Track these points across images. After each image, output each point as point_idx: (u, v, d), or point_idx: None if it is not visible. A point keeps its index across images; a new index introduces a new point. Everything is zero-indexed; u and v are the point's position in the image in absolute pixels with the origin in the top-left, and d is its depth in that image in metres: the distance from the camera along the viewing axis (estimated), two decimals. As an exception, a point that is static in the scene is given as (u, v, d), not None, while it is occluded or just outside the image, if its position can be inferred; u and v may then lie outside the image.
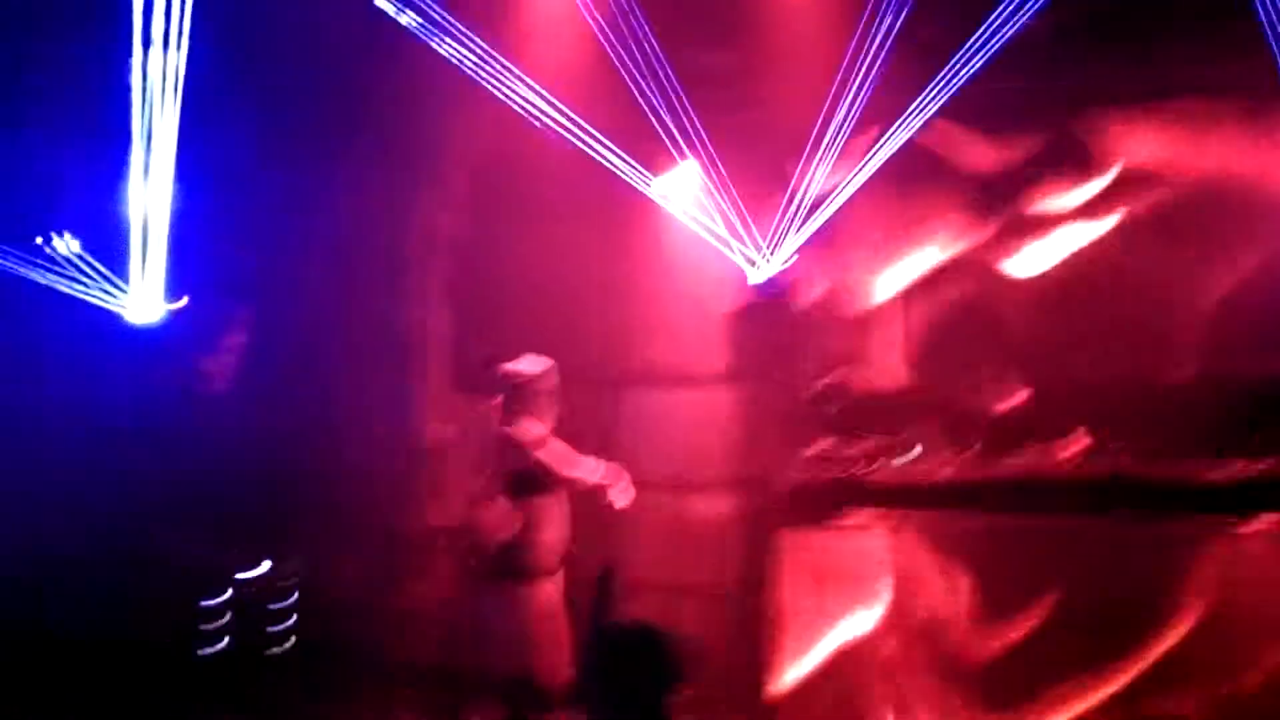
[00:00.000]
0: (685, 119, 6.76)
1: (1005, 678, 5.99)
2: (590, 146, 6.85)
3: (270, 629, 6.56)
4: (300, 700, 6.23)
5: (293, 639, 6.37)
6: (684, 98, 6.68)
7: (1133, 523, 5.99)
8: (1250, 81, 6.05)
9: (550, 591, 5.76)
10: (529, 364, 5.94)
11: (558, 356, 6.17)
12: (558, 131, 6.79)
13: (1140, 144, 6.53)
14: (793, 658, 6.36)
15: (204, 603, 6.21)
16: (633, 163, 6.90)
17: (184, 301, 6.48)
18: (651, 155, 6.86)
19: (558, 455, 5.75)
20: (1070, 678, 5.88)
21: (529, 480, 5.70)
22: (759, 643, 6.46)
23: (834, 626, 6.33)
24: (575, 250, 7.10)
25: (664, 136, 6.81)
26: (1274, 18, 5.94)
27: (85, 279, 6.40)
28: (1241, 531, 5.80)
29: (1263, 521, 5.76)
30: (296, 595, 6.45)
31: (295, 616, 6.44)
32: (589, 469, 5.83)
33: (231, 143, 6.42)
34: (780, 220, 6.90)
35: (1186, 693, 5.68)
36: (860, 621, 6.29)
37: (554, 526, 5.78)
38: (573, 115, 6.76)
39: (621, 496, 5.88)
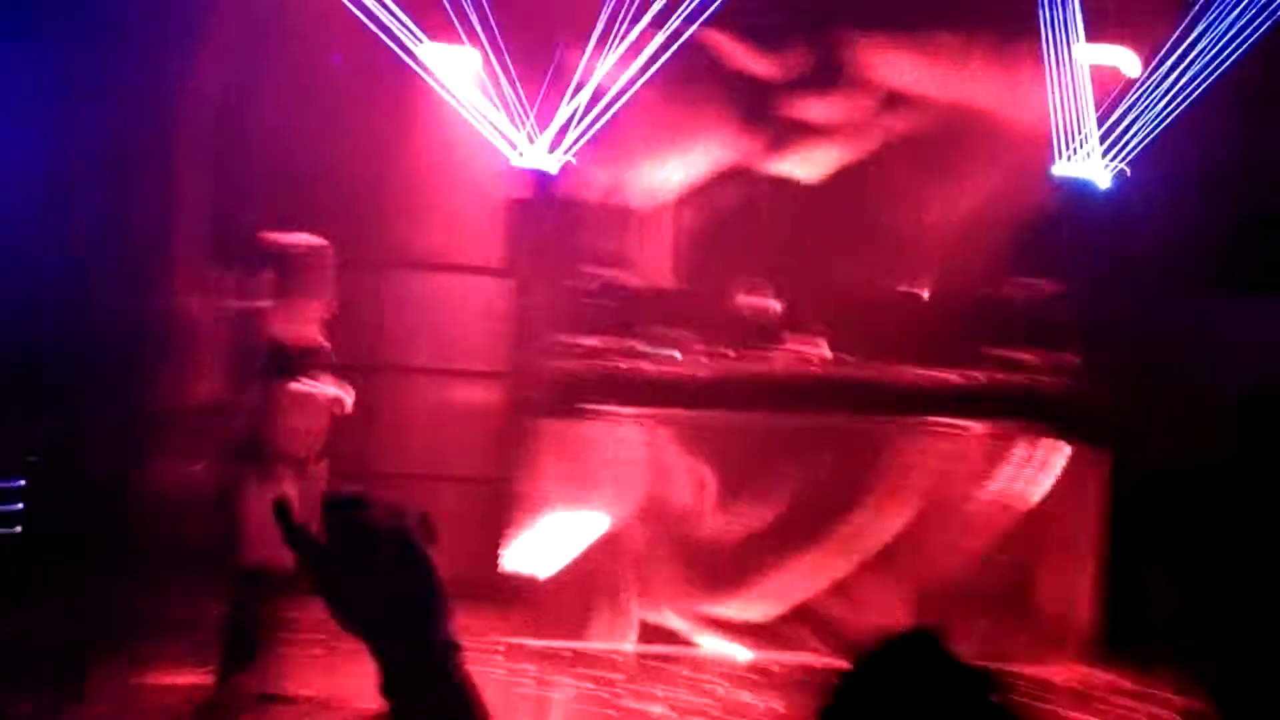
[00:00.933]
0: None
1: (742, 564, 6.39)
2: (370, 18, 6.69)
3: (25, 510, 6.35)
4: (55, 578, 6.06)
5: (18, 524, 6.16)
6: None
7: (858, 421, 6.47)
8: (1001, 18, 6.48)
9: (305, 480, 5.63)
10: (303, 238, 5.73)
11: (325, 234, 6.07)
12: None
13: (899, 69, 6.88)
14: (546, 547, 6.58)
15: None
16: (413, 39, 6.78)
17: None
18: (434, 32, 6.75)
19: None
20: (798, 563, 6.33)
21: (288, 364, 5.55)
22: (507, 528, 6.65)
23: (587, 516, 6.57)
24: (352, 130, 6.95)
25: (451, 13, 6.71)
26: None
27: None
28: (954, 434, 6.35)
29: (973, 427, 6.32)
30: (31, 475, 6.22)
31: (28, 496, 6.22)
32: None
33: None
34: (559, 113, 6.95)
35: (898, 575, 6.22)
36: (612, 509, 6.55)
37: (310, 414, 5.62)
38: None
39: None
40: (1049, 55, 6.69)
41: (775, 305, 6.89)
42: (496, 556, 6.56)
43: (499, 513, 6.66)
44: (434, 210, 7.19)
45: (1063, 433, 6.20)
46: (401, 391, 6.86)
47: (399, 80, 6.90)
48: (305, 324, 5.60)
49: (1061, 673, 5.93)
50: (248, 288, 5.85)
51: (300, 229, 5.94)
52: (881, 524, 6.30)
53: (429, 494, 6.90)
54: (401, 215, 7.18)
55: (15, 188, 6.34)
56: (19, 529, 6.51)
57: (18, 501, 6.43)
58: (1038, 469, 6.24)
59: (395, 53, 6.83)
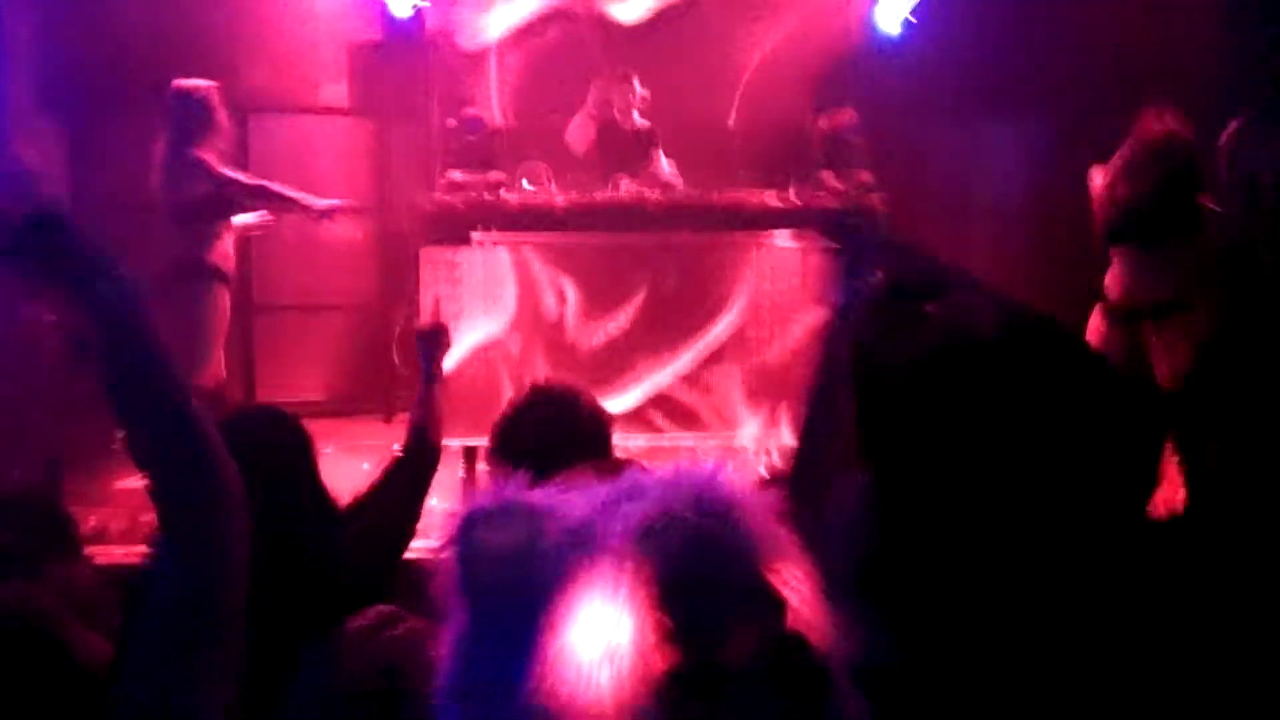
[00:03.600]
0: None
1: (605, 363, 7.52)
2: None
3: None
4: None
5: None
6: None
7: (697, 238, 7.63)
8: None
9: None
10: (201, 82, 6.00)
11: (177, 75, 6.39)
12: None
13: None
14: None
15: None
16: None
17: None
18: None
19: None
20: (652, 358, 7.53)
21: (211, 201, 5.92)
22: (399, 348, 7.46)
23: (469, 329, 7.46)
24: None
25: None
26: None
27: None
28: (771, 244, 7.62)
29: (784, 237, 7.61)
30: None
31: None
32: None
33: None
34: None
35: (733, 363, 7.55)
36: (490, 324, 7.47)
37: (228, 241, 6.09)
38: None
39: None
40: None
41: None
42: (385, 371, 7.37)
43: (382, 335, 7.44)
44: (291, 54, 7.54)
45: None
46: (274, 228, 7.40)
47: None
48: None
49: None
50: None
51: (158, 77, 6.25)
52: (718, 324, 7.57)
53: (316, 321, 7.56)
54: (260, 61, 7.49)
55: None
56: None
57: None
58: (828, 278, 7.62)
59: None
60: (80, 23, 6.99)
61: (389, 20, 7.54)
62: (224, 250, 5.95)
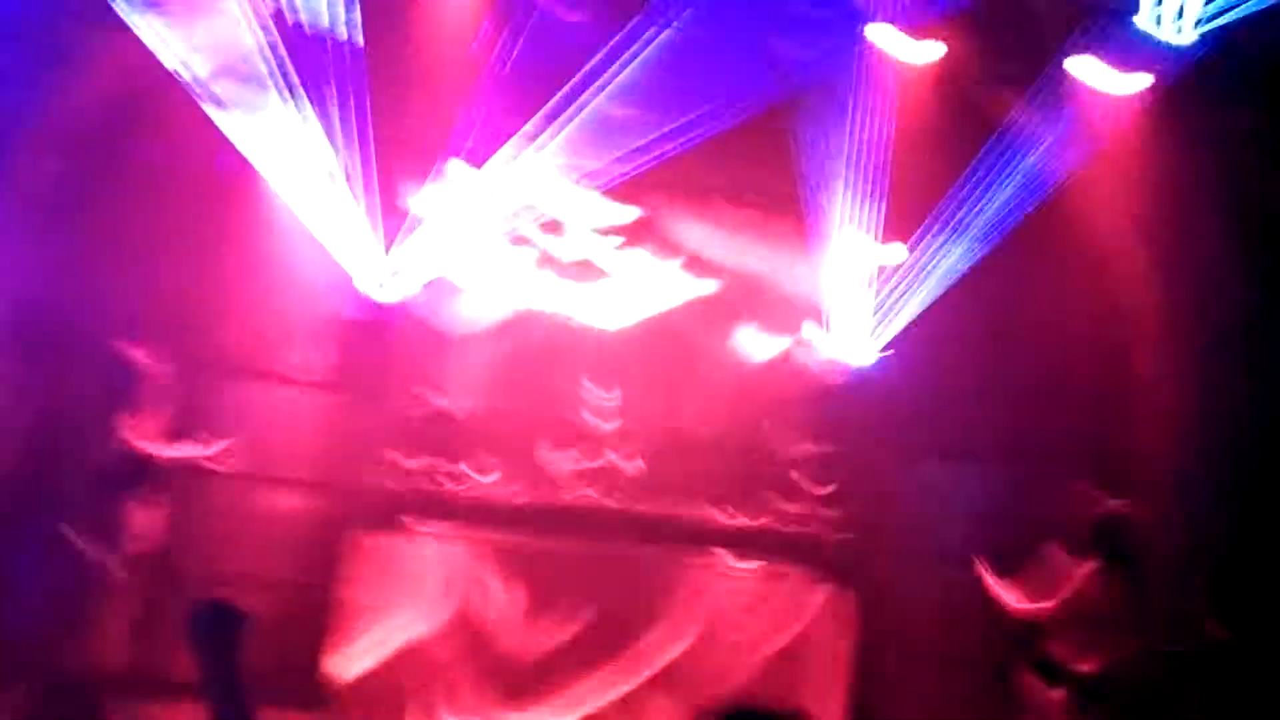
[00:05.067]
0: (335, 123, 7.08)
1: (541, 677, 7.05)
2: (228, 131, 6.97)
3: None
4: None
5: None
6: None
7: (653, 553, 7.30)
8: (795, 202, 7.50)
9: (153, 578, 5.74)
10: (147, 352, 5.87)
11: (170, 342, 6.28)
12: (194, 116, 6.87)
13: (702, 236, 7.78)
14: (354, 650, 6.99)
15: None
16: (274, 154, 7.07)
17: None
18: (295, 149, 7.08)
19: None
20: (591, 679, 7.05)
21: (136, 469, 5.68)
22: (323, 633, 7.01)
23: (396, 624, 7.04)
24: (195, 238, 7.16)
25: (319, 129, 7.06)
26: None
27: None
28: (735, 570, 7.28)
29: (752, 565, 7.27)
30: None
31: None
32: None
33: None
34: (399, 239, 7.42)
35: (677, 696, 7.05)
36: (421, 622, 7.05)
37: (152, 518, 5.73)
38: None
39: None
40: (830, 240, 7.73)
41: (588, 439, 7.61)
42: (311, 659, 6.91)
43: (315, 618, 7.02)
44: (275, 324, 7.47)
45: (822, 575, 7.24)
46: (233, 496, 7.11)
47: (249, 195, 7.18)
48: (149, 432, 5.79)
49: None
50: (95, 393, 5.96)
51: (145, 336, 6.15)
52: (664, 648, 7.14)
53: (253, 597, 7.13)
54: (244, 328, 7.42)
55: None
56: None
57: None
58: (799, 605, 7.24)
59: (247, 166, 7.11)
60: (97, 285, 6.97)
61: (371, 301, 7.48)
62: None
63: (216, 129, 6.90)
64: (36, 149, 6.85)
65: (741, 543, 7.34)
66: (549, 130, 7.26)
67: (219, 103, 6.85)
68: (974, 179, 7.54)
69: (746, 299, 7.83)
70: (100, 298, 6.80)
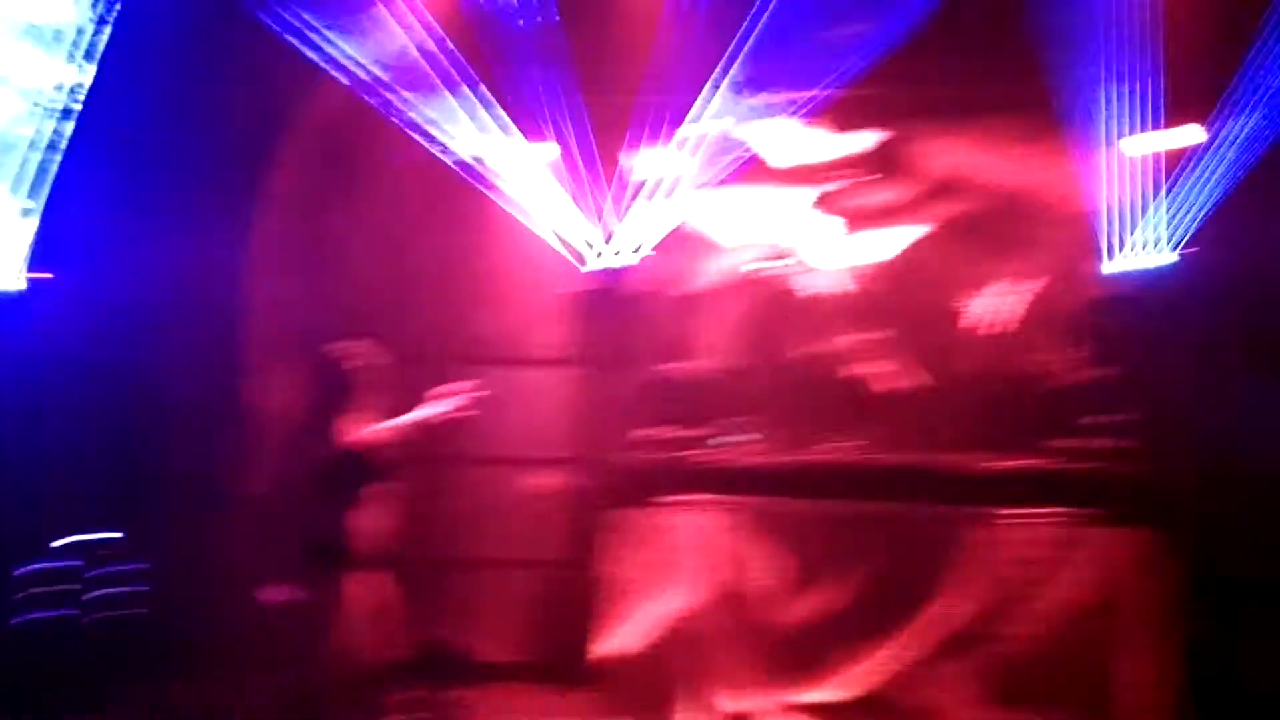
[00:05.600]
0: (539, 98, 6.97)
1: (810, 649, 6.47)
2: (434, 125, 7.00)
3: (87, 597, 6.55)
4: (137, 676, 6.26)
5: (106, 610, 6.39)
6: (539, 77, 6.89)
7: (930, 511, 6.55)
8: (1037, 102, 6.63)
9: (376, 581, 5.73)
10: (363, 348, 5.87)
11: (396, 333, 6.29)
12: (403, 112, 6.92)
13: (953, 157, 7.04)
14: (616, 631, 6.71)
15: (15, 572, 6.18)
16: (481, 139, 7.04)
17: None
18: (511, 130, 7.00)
19: (400, 426, 5.71)
20: (865, 648, 6.41)
21: (358, 466, 5.65)
22: (586, 614, 6.78)
23: (656, 602, 6.70)
24: (417, 229, 7.24)
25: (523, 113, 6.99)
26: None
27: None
28: (1014, 521, 6.41)
29: (1033, 513, 6.38)
30: (116, 566, 6.48)
31: (112, 587, 6.45)
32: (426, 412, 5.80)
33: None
34: (620, 205, 7.19)
35: (971, 663, 6.27)
36: (683, 598, 6.67)
37: (375, 514, 5.70)
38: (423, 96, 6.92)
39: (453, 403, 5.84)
40: (1104, 142, 6.79)
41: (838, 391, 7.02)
42: (573, 640, 6.71)
43: (576, 598, 6.82)
44: (507, 305, 7.43)
45: (1131, 519, 6.25)
46: (481, 480, 7.07)
47: (469, 182, 7.18)
48: (370, 427, 5.70)
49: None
50: (317, 392, 6.06)
51: (377, 329, 6.18)
52: (951, 611, 6.37)
53: (506, 579, 7.10)
54: (478, 310, 7.43)
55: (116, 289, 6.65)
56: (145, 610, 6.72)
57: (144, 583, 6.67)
58: (1103, 552, 6.28)
59: (465, 154, 7.12)
60: (328, 283, 7.20)
61: (603, 270, 7.28)
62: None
63: (417, 124, 6.94)
64: (265, 157, 7.15)
65: (1027, 489, 6.44)
66: (756, 67, 6.80)
67: (415, 95, 6.88)
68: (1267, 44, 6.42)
69: (1005, 220, 7.01)
70: (322, 297, 6.97)
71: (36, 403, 6.10)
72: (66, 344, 6.43)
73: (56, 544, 6.50)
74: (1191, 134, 6.65)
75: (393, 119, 7.03)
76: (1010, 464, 6.54)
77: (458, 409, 5.75)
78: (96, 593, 6.65)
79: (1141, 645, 6.09)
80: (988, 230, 7.03)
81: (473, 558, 7.31)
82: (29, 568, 6.40)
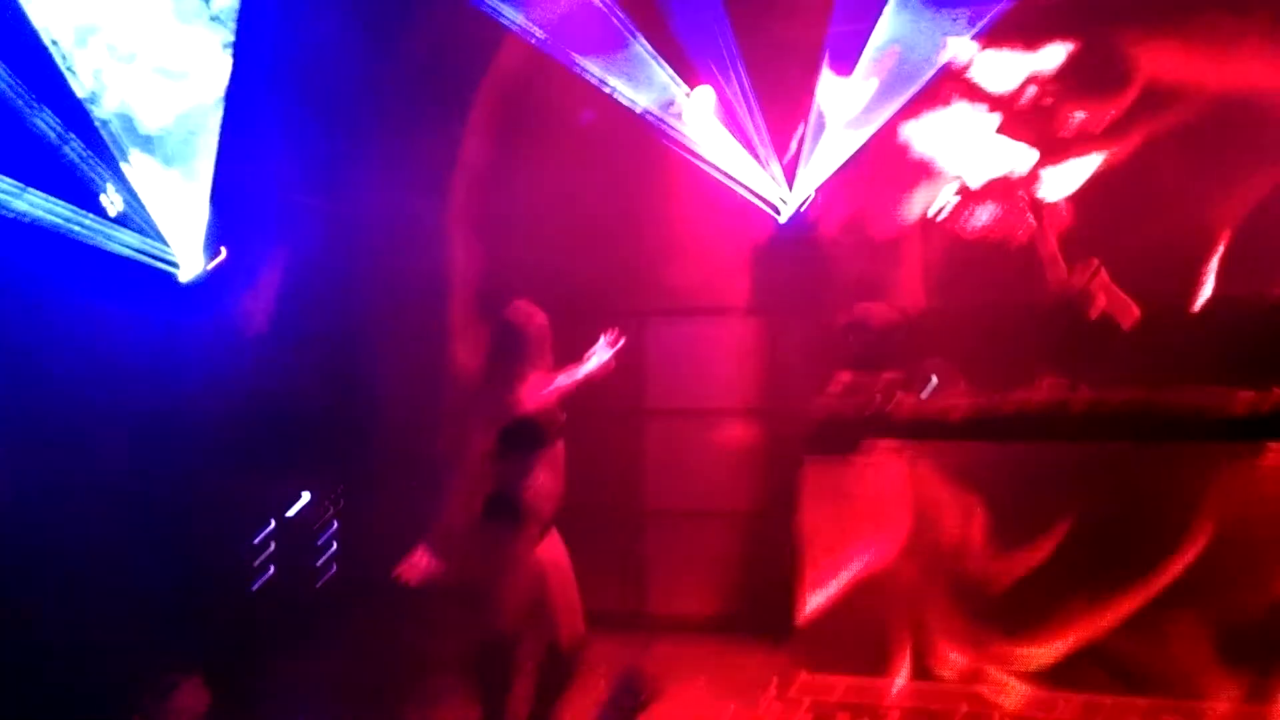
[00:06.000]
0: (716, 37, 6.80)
1: (1019, 601, 6.12)
2: (615, 79, 6.94)
3: (313, 563, 6.94)
4: (347, 633, 6.61)
5: (333, 568, 6.75)
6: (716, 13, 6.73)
7: (1141, 450, 6.05)
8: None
9: (547, 542, 5.56)
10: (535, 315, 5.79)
11: (583, 289, 6.31)
12: (584, 69, 6.91)
13: (1165, 60, 6.38)
14: (815, 582, 6.55)
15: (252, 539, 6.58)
16: (663, 88, 6.95)
17: (223, 254, 6.76)
18: (682, 76, 6.90)
19: (561, 385, 5.66)
20: (1080, 601, 6.00)
21: (524, 428, 5.62)
22: (782, 567, 6.67)
23: (855, 553, 6.50)
24: (602, 184, 7.23)
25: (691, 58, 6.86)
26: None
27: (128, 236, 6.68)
28: (1250, 460, 5.81)
29: (1272, 451, 5.77)
30: (335, 526, 6.81)
31: (335, 547, 6.80)
32: (585, 367, 5.72)
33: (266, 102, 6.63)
34: (804, 147, 6.93)
35: (1192, 614, 5.78)
36: (880, 548, 6.45)
37: (548, 473, 5.70)
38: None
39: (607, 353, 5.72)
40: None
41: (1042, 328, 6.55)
42: (767, 591, 6.62)
43: (767, 548, 6.72)
44: (696, 256, 7.33)
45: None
46: (667, 432, 7.05)
47: (646, 135, 7.10)
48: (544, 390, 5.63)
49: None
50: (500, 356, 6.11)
51: (562, 289, 6.18)
52: (1174, 555, 5.88)
53: (698, 531, 7.07)
54: (658, 263, 7.37)
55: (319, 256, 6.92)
56: (334, 568, 7.11)
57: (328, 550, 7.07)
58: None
59: (641, 109, 7.04)
60: (515, 245, 7.33)
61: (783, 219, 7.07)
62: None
63: (598, 80, 6.89)
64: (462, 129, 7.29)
65: (1249, 425, 5.84)
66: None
67: (593, 51, 6.83)
68: None
69: (1231, 128, 6.30)
70: (509, 259, 7.06)
71: (238, 382, 6.46)
72: (259, 322, 6.78)
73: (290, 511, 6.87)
74: None
75: (575, 75, 7.00)
76: (1234, 392, 5.93)
77: (611, 360, 5.59)
78: (323, 556, 7.05)
79: None
80: (1210, 141, 6.34)
81: (662, 508, 7.30)
82: (261, 533, 6.84)
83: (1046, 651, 6.06)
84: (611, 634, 6.12)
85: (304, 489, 6.92)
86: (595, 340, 5.61)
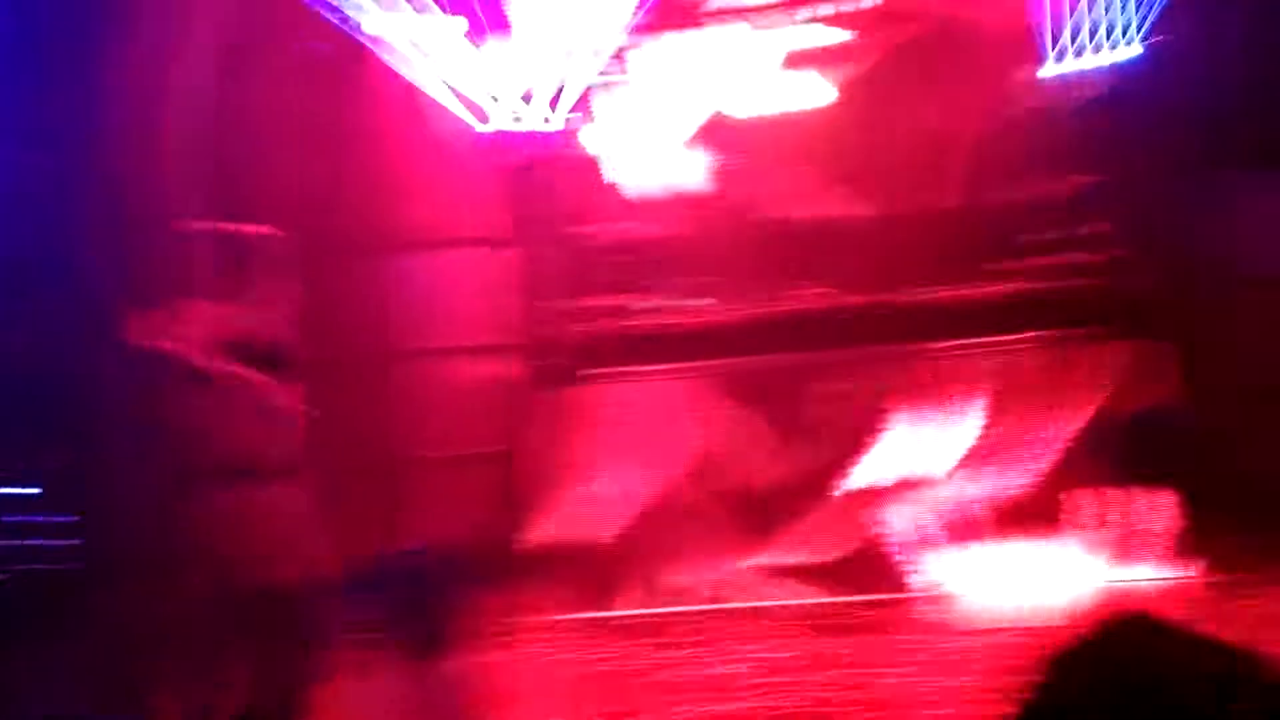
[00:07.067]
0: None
1: (796, 508, 6.04)
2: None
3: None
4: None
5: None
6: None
7: (899, 351, 6.18)
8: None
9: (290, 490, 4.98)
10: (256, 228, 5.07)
11: (308, 223, 5.62)
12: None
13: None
14: (557, 514, 6.17)
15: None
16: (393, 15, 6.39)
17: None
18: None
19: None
20: (864, 499, 5.99)
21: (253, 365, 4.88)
22: (521, 504, 6.22)
23: (605, 480, 6.16)
24: (329, 117, 6.50)
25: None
26: None
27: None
28: (1004, 347, 6.07)
29: (1023, 336, 6.04)
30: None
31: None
32: None
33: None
34: (552, 74, 6.59)
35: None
36: (643, 472, 6.16)
37: (280, 419, 4.92)
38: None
39: None
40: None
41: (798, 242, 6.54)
42: (539, 528, 6.12)
43: (533, 485, 6.23)
44: (422, 186, 6.71)
45: (1120, 331, 5.92)
46: (416, 376, 6.43)
47: (370, 60, 6.49)
48: (267, 320, 4.93)
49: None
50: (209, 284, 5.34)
51: (286, 221, 5.48)
52: (943, 448, 5.99)
53: (456, 475, 6.46)
54: (389, 196, 6.70)
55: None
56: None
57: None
58: (1096, 369, 5.95)
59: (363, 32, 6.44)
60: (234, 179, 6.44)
61: (528, 140, 6.65)
62: None
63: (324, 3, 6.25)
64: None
65: (1005, 314, 6.09)
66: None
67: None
68: None
69: (948, 40, 6.56)
70: (231, 185, 6.21)
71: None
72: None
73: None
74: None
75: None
76: (980, 290, 6.17)
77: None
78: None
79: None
80: (938, 59, 6.57)
81: (418, 455, 6.62)
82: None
83: (828, 556, 5.97)
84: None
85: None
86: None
